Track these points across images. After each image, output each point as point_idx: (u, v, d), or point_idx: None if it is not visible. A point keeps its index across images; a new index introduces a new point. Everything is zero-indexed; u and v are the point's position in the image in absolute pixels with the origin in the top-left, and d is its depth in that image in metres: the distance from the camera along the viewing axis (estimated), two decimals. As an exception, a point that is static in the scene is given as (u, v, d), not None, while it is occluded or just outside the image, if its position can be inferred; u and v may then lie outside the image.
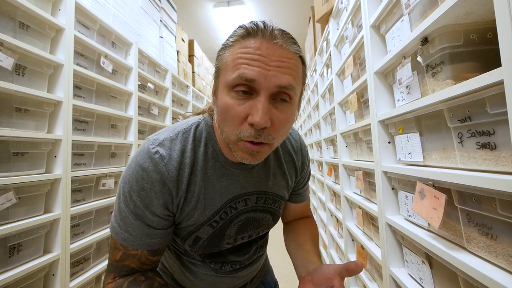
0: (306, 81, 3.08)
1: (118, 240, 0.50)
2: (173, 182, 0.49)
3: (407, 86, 0.79)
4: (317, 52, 2.17)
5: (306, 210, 0.77)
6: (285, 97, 0.44)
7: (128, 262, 0.51)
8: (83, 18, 1.47)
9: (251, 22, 0.45)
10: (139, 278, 0.52)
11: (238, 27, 0.46)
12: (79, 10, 1.41)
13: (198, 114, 0.61)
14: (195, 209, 0.53)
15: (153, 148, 0.49)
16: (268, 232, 0.73)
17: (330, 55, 1.64)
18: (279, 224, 0.77)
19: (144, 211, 0.48)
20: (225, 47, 0.47)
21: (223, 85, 0.45)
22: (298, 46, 0.47)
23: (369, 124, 1.00)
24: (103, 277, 1.51)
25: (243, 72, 0.41)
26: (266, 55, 0.42)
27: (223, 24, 4.51)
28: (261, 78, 0.41)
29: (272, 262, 0.88)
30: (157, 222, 0.50)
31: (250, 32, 0.44)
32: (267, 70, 0.42)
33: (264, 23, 0.44)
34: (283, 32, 0.45)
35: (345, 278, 1.56)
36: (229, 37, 0.47)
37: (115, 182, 1.66)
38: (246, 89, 0.43)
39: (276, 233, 0.82)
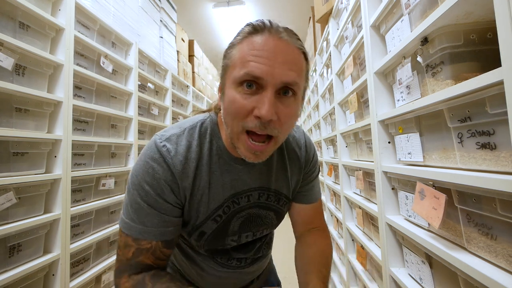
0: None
1: (132, 235, 0.50)
2: (179, 174, 0.51)
3: (407, 86, 0.79)
4: (317, 52, 2.17)
5: (317, 217, 0.71)
6: (290, 92, 0.46)
7: (142, 257, 0.51)
8: (83, 18, 1.47)
9: (257, 20, 0.48)
10: (160, 273, 0.52)
11: (246, 25, 0.49)
12: (79, 10, 1.41)
13: (204, 112, 0.63)
14: (200, 202, 0.55)
15: (161, 142, 0.52)
16: (272, 231, 0.72)
17: (330, 55, 1.64)
18: (283, 224, 0.75)
19: (157, 199, 0.50)
20: (233, 45, 0.49)
21: (231, 81, 0.46)
22: (302, 42, 0.49)
23: (369, 124, 1.00)
24: (103, 278, 1.51)
25: (251, 70, 0.43)
26: (272, 50, 0.44)
27: (223, 24, 4.51)
28: (268, 75, 0.43)
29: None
30: (170, 209, 0.52)
31: (257, 28, 0.46)
32: (274, 67, 0.43)
33: (269, 21, 0.47)
34: (287, 29, 0.48)
35: (345, 278, 1.54)
36: (236, 35, 0.49)
37: (115, 182, 1.66)
38: (252, 83, 0.44)
39: (276, 234, 0.80)
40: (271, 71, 0.43)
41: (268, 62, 0.43)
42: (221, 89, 0.51)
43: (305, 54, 0.49)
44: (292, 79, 0.45)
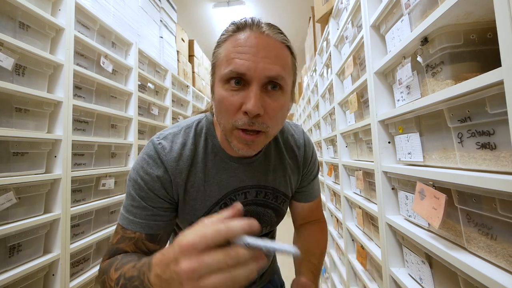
0: (307, 80, 3.03)
1: (121, 224, 0.54)
2: (172, 170, 0.54)
3: (407, 86, 0.79)
4: (317, 52, 2.17)
5: (316, 211, 0.74)
6: (276, 86, 0.47)
7: (124, 245, 0.53)
8: (83, 18, 1.47)
9: (241, 19, 0.49)
10: (133, 253, 0.53)
11: (229, 24, 0.50)
12: (79, 10, 1.41)
13: (202, 112, 0.65)
14: (195, 200, 0.56)
15: (158, 140, 0.55)
16: (274, 230, 0.73)
17: (330, 55, 1.64)
18: (283, 224, 0.76)
19: (148, 193, 0.53)
20: (218, 44, 0.51)
21: (218, 79, 0.48)
22: (285, 36, 0.50)
23: (369, 124, 1.00)
24: (103, 277, 1.51)
25: (235, 67, 0.45)
26: (255, 45, 0.45)
27: (223, 24, 4.50)
28: (251, 71, 0.44)
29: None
30: (161, 204, 0.54)
31: (239, 27, 0.48)
32: (257, 62, 0.44)
33: (252, 18, 0.49)
34: (269, 24, 0.49)
35: (345, 278, 1.54)
36: (221, 35, 0.51)
37: (115, 182, 1.66)
38: (239, 80, 0.46)
39: (280, 234, 0.81)
40: (254, 66, 0.44)
41: (251, 58, 0.44)
42: (212, 88, 0.52)
43: (289, 48, 0.50)
44: (276, 73, 0.45)
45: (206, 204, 0.57)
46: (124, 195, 0.60)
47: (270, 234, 0.72)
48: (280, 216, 0.67)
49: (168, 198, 0.55)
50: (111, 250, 0.54)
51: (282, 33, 0.49)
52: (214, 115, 0.54)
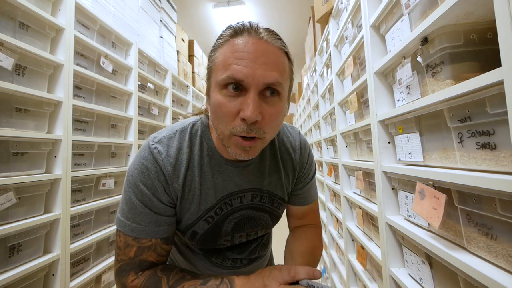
0: (307, 80, 3.04)
1: (125, 232, 0.52)
2: (169, 175, 0.53)
3: (407, 86, 0.79)
4: (317, 52, 2.17)
5: (312, 216, 0.73)
6: (274, 92, 0.47)
7: (146, 255, 0.52)
8: (83, 18, 1.47)
9: (237, 22, 0.49)
10: (168, 266, 0.55)
11: (226, 28, 0.50)
12: (79, 10, 1.41)
13: (196, 114, 0.64)
14: (191, 203, 0.56)
15: (153, 144, 0.54)
16: (269, 232, 0.73)
17: (330, 55, 1.64)
18: (280, 224, 0.76)
19: (151, 198, 0.52)
20: (215, 48, 0.49)
21: (215, 84, 0.47)
22: (283, 42, 0.50)
23: (369, 124, 1.00)
24: (103, 278, 1.51)
25: (233, 73, 0.44)
26: (253, 51, 0.45)
27: (223, 24, 4.50)
28: (249, 78, 0.44)
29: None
30: (164, 208, 0.53)
31: (237, 31, 0.47)
32: (255, 69, 0.44)
33: (249, 22, 0.48)
34: (267, 29, 0.48)
35: (345, 278, 1.54)
36: (218, 38, 0.50)
37: (115, 182, 1.66)
38: (237, 86, 0.45)
39: (275, 234, 0.81)
40: (252, 73, 0.44)
41: (249, 64, 0.44)
42: (207, 92, 0.51)
43: (287, 54, 0.50)
44: (274, 80, 0.45)
45: (201, 208, 0.56)
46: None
47: (265, 236, 0.71)
48: (276, 219, 0.66)
49: (170, 202, 0.55)
50: (133, 264, 0.52)
51: (280, 38, 0.49)
52: (210, 119, 0.52)
